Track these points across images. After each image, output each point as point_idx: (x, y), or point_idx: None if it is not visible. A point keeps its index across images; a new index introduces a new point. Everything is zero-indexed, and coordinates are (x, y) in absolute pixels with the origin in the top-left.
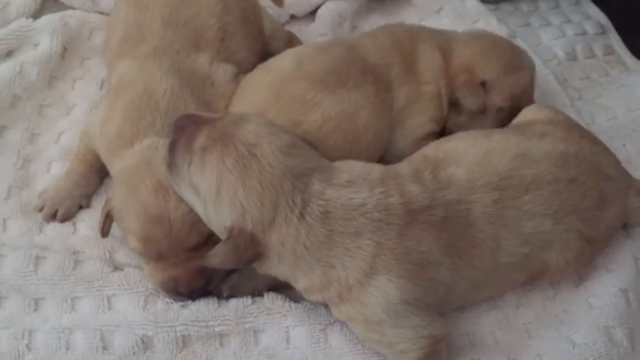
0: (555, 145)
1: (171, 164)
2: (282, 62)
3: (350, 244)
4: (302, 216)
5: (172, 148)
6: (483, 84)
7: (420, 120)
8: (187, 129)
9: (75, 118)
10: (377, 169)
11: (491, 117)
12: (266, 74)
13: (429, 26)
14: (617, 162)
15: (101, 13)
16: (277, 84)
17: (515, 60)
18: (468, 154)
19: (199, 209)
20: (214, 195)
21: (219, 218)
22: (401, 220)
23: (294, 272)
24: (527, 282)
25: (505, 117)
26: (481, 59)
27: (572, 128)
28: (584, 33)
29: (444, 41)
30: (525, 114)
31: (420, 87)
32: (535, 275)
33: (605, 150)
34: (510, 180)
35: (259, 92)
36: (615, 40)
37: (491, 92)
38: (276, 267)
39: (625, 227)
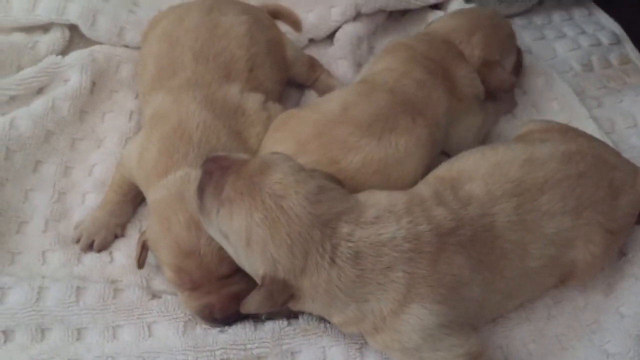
0: (557, 146)
1: (201, 207)
2: (328, 105)
3: (382, 279)
4: (332, 261)
5: (201, 193)
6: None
7: (472, 123)
8: (215, 174)
9: (106, 150)
10: (401, 198)
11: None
12: (312, 113)
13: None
14: (617, 152)
15: (127, 47)
16: (322, 123)
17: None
18: (480, 168)
19: (230, 251)
20: (244, 246)
21: (250, 264)
22: (432, 247)
23: (328, 310)
24: (558, 285)
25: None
26: (486, 46)
27: (567, 131)
28: (599, 44)
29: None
30: (522, 128)
31: (463, 101)
32: (565, 276)
33: (604, 143)
34: (524, 184)
35: (303, 126)
36: (630, 49)
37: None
38: (310, 306)
39: None
